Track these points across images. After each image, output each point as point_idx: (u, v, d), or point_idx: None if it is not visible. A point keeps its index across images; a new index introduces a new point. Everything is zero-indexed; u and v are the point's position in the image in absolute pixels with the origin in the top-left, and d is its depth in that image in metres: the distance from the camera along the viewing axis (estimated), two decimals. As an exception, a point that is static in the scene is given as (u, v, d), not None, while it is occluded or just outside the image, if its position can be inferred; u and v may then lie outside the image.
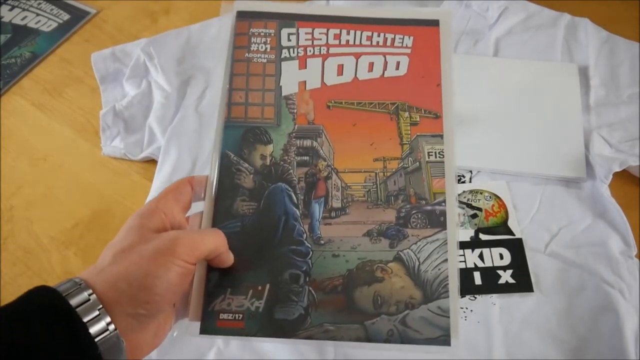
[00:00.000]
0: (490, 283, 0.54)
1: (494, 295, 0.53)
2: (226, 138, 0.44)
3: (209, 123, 0.67)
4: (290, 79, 0.46)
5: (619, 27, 0.70)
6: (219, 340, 0.52)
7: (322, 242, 0.42)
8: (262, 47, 0.46)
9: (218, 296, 0.40)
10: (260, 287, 0.40)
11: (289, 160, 0.44)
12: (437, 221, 0.42)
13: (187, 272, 0.34)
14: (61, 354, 0.28)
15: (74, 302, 0.30)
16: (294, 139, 0.45)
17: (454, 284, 0.40)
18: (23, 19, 0.85)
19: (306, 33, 0.47)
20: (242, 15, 0.47)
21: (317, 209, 0.43)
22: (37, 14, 0.85)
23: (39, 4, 0.87)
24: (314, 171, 0.44)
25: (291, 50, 0.46)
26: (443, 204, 0.42)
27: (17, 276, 0.60)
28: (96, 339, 0.29)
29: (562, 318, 0.51)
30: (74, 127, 0.72)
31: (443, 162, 0.43)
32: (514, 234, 0.57)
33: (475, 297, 0.53)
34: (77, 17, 0.84)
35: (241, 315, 0.40)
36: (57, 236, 0.62)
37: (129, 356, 0.32)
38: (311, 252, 0.41)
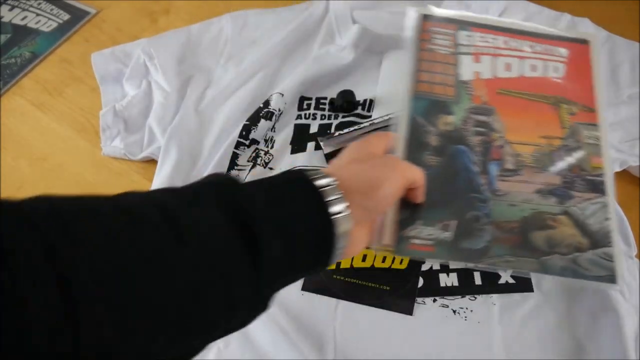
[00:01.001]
0: (491, 283, 0.54)
1: (494, 295, 0.53)
2: (414, 106, 0.55)
3: (209, 123, 0.67)
4: (467, 68, 0.57)
5: (619, 27, 0.70)
6: (219, 340, 0.52)
7: (499, 193, 0.51)
8: (443, 42, 0.59)
9: (409, 225, 0.48)
10: (447, 222, 0.49)
11: (467, 129, 0.54)
12: (598, 188, 0.51)
13: (401, 186, 0.40)
14: (310, 223, 0.33)
15: (319, 183, 0.35)
16: (471, 114, 0.55)
17: (616, 237, 0.49)
18: (23, 19, 0.85)
19: (480, 36, 0.59)
20: (427, 18, 0.61)
21: (494, 168, 0.52)
22: (37, 14, 0.85)
23: (39, 4, 0.87)
24: (489, 140, 0.53)
25: (467, 47, 0.58)
26: (602, 176, 0.52)
27: (17, 276, 0.60)
28: (333, 217, 0.34)
29: (563, 318, 0.52)
30: (74, 127, 0.72)
31: (599, 144, 0.54)
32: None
33: (476, 297, 0.53)
34: (77, 17, 0.84)
35: (431, 242, 0.48)
36: (57, 236, 0.62)
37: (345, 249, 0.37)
38: (490, 200, 0.50)
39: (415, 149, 0.52)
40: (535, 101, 0.56)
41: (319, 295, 0.54)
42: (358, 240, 0.39)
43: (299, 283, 0.55)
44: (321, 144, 0.62)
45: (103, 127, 0.69)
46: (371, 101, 0.67)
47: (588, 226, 0.50)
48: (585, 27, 0.69)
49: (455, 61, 0.58)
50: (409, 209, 0.46)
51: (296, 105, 0.67)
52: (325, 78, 0.69)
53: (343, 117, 0.66)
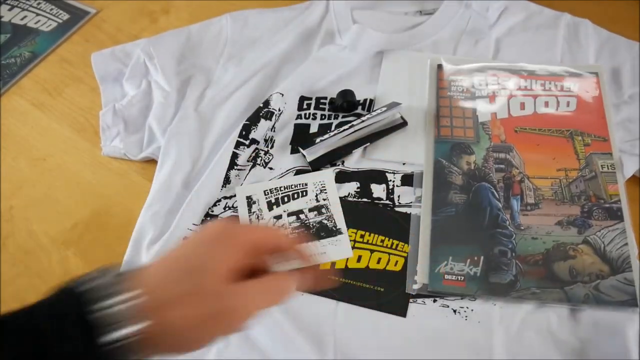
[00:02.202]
0: (491, 283, 0.55)
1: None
2: (437, 149, 0.60)
3: (209, 122, 0.67)
4: (484, 110, 0.63)
5: (619, 27, 0.70)
6: (218, 340, 0.52)
7: (522, 227, 0.55)
8: (459, 88, 0.64)
9: (442, 262, 0.52)
10: (476, 258, 0.52)
11: (488, 167, 0.58)
12: (615, 215, 0.55)
13: (237, 263, 0.33)
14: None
15: (107, 304, 0.28)
16: (491, 152, 0.60)
17: (635, 262, 0.52)
18: (22, 18, 0.85)
19: (493, 79, 0.65)
20: (441, 67, 0.66)
21: (516, 204, 0.56)
22: (37, 14, 0.85)
23: (39, 3, 0.87)
24: (509, 176, 0.57)
25: (482, 90, 0.64)
26: (618, 202, 0.55)
27: (17, 276, 0.60)
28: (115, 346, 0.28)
29: (563, 318, 0.51)
30: (73, 127, 0.72)
31: (614, 172, 0.58)
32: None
33: (476, 297, 0.53)
34: (77, 16, 0.84)
35: (463, 277, 0.51)
36: (56, 236, 0.62)
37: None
38: (514, 235, 0.54)
39: (441, 189, 0.57)
40: (550, 136, 0.60)
41: (318, 296, 0.54)
42: (207, 337, 0.32)
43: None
44: (303, 152, 0.62)
45: (103, 127, 0.69)
46: (371, 101, 0.67)
47: (607, 253, 0.53)
48: (585, 27, 0.69)
49: (473, 104, 0.63)
50: (439, 248, 0.44)
51: (296, 105, 0.67)
52: (325, 78, 0.69)
53: (343, 117, 0.66)
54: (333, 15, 0.73)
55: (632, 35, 0.69)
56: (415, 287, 0.53)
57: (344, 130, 0.61)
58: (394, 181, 0.61)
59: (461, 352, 0.50)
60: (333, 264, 0.56)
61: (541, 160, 0.59)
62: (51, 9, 0.86)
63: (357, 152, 0.63)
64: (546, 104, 0.63)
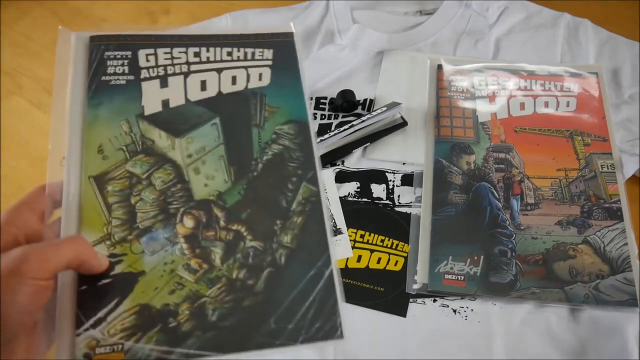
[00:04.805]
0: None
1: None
2: (437, 150, 0.60)
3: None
4: (484, 110, 0.63)
5: (619, 27, 0.70)
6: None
7: (522, 227, 0.55)
8: (459, 88, 0.64)
9: (442, 262, 0.52)
10: (476, 257, 0.53)
11: (488, 167, 0.58)
12: (615, 215, 0.55)
13: (41, 289, 0.30)
14: None
15: None
16: (491, 152, 0.59)
17: (635, 262, 0.52)
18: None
19: (493, 80, 0.65)
20: (441, 67, 0.66)
21: (516, 203, 0.56)
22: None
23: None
24: (509, 176, 0.57)
25: (482, 90, 0.64)
26: (618, 202, 0.56)
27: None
28: None
29: (563, 318, 0.51)
30: (74, 127, 0.72)
31: (614, 172, 0.58)
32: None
33: (476, 297, 0.53)
34: None
35: (463, 277, 0.51)
36: (57, 236, 0.62)
37: None
38: (514, 234, 0.54)
39: (441, 189, 0.57)
40: (550, 136, 0.60)
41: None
42: None
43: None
44: None
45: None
46: (371, 101, 0.67)
47: (607, 253, 0.53)
48: (585, 27, 0.69)
49: (473, 105, 0.63)
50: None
51: (296, 105, 0.67)
52: (325, 78, 0.69)
53: (343, 117, 0.66)
54: (333, 15, 0.74)
55: (632, 35, 0.69)
56: (415, 287, 0.53)
57: (344, 130, 0.61)
58: (394, 181, 0.61)
59: (461, 352, 0.50)
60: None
61: (541, 160, 0.59)
62: None
63: (357, 152, 0.63)
64: (546, 104, 0.63)
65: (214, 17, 0.75)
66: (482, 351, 0.50)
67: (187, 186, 0.38)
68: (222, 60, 0.43)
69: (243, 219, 0.37)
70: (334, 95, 0.67)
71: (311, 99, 0.68)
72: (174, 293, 0.34)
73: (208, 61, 0.42)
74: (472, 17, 0.72)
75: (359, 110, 0.67)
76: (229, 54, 0.43)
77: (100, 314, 0.33)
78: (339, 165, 0.62)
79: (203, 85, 0.42)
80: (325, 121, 0.66)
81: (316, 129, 0.65)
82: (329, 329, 0.34)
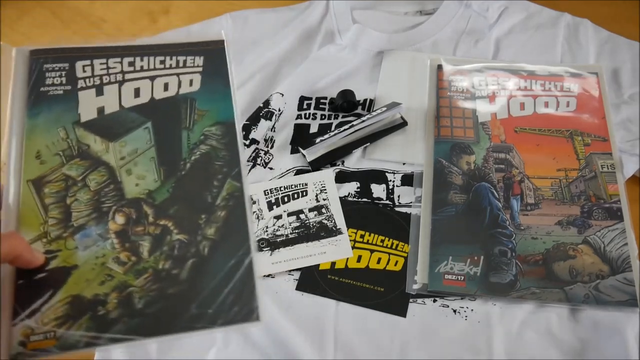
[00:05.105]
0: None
1: (494, 296, 0.53)
2: (437, 150, 0.60)
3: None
4: (484, 110, 0.63)
5: (619, 27, 0.70)
6: (219, 341, 0.52)
7: (522, 227, 0.55)
8: (459, 88, 0.64)
9: (442, 262, 0.53)
10: (476, 257, 0.53)
11: (488, 167, 0.58)
12: (615, 215, 0.55)
13: None
14: None
15: None
16: (491, 152, 0.59)
17: (635, 262, 0.52)
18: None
19: (493, 80, 0.64)
20: (441, 67, 0.66)
21: (516, 204, 0.56)
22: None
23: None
24: (509, 176, 0.57)
25: (482, 90, 0.64)
26: (618, 202, 0.56)
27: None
28: None
29: (563, 318, 0.51)
30: (73, 127, 0.72)
31: (614, 172, 0.58)
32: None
33: (476, 297, 0.53)
34: None
35: (463, 277, 0.51)
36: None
37: None
38: (514, 234, 0.54)
39: (441, 189, 0.57)
40: (550, 136, 0.60)
41: (319, 296, 0.54)
42: None
43: (293, 283, 0.55)
44: (303, 152, 0.62)
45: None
46: (371, 101, 0.67)
47: (607, 253, 0.53)
48: (585, 27, 0.69)
49: (473, 105, 0.63)
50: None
51: (296, 105, 0.67)
52: (325, 78, 0.69)
53: (343, 117, 0.66)
54: (333, 15, 0.74)
55: (632, 35, 0.69)
56: (415, 287, 0.53)
57: (344, 130, 0.61)
58: (394, 181, 0.61)
59: (461, 352, 0.51)
60: (333, 263, 0.56)
61: (541, 160, 0.59)
62: None
63: (357, 152, 0.63)
64: (546, 104, 0.63)
65: (214, 17, 0.75)
66: (482, 351, 0.50)
67: (119, 186, 0.41)
68: (155, 69, 0.45)
69: (170, 215, 0.40)
70: (334, 95, 0.67)
71: (311, 99, 0.68)
72: (104, 284, 0.37)
73: (142, 70, 0.45)
74: (472, 17, 0.72)
75: (359, 110, 0.67)
76: (162, 62, 0.45)
77: (35, 305, 0.36)
78: (339, 165, 0.62)
79: (137, 93, 0.44)
80: (325, 121, 0.66)
81: (316, 129, 0.66)
82: (247, 313, 0.36)
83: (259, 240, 0.57)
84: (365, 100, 0.67)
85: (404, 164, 0.62)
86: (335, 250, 0.56)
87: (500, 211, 0.56)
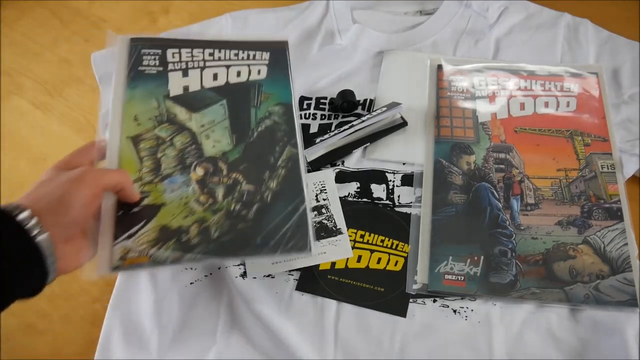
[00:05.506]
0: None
1: (494, 296, 0.53)
2: (437, 150, 0.60)
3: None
4: (484, 110, 0.63)
5: (619, 27, 0.70)
6: (219, 341, 0.52)
7: (522, 227, 0.55)
8: (459, 88, 0.65)
9: (442, 262, 0.53)
10: (476, 258, 0.53)
11: (488, 167, 0.59)
12: (615, 215, 0.55)
13: (94, 196, 0.41)
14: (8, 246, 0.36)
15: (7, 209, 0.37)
16: (491, 152, 0.60)
17: (635, 262, 0.52)
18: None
19: (493, 80, 0.65)
20: (441, 67, 0.66)
21: (516, 204, 0.56)
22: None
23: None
24: (509, 176, 0.58)
25: (482, 90, 0.64)
26: (618, 202, 0.56)
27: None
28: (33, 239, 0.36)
29: (563, 318, 0.51)
30: (73, 127, 0.72)
31: (614, 172, 0.58)
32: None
33: (476, 297, 0.53)
34: None
35: (463, 277, 0.52)
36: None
37: (59, 264, 0.39)
38: (514, 235, 0.54)
39: (441, 189, 0.58)
40: (550, 136, 0.60)
41: (319, 296, 0.54)
42: (69, 256, 0.41)
43: (293, 283, 0.55)
44: (304, 152, 0.61)
45: (103, 127, 0.69)
46: (371, 101, 0.67)
47: (607, 253, 0.53)
48: (585, 27, 0.69)
49: (473, 105, 0.63)
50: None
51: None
52: (325, 78, 0.69)
53: (343, 117, 0.66)
54: (333, 15, 0.74)
55: (632, 35, 0.69)
56: (415, 287, 0.53)
57: (344, 130, 0.61)
58: (394, 181, 0.61)
59: (461, 352, 0.51)
60: (333, 264, 0.56)
61: (541, 160, 0.59)
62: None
63: (357, 152, 0.63)
64: (546, 104, 0.63)
65: (214, 17, 0.75)
66: (482, 351, 0.50)
67: (199, 147, 0.50)
68: (230, 59, 0.55)
69: (240, 170, 0.49)
70: (334, 95, 0.67)
71: (311, 99, 0.68)
72: (186, 218, 0.46)
73: (220, 59, 0.55)
74: (472, 17, 0.72)
75: (359, 111, 0.67)
76: (236, 54, 0.55)
77: (131, 230, 0.45)
78: (339, 165, 0.62)
79: (215, 77, 0.54)
80: (325, 121, 0.66)
81: (316, 129, 0.66)
82: (301, 246, 0.46)
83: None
84: (365, 100, 0.67)
85: (404, 164, 0.62)
86: (335, 250, 0.56)
87: (500, 211, 0.56)
